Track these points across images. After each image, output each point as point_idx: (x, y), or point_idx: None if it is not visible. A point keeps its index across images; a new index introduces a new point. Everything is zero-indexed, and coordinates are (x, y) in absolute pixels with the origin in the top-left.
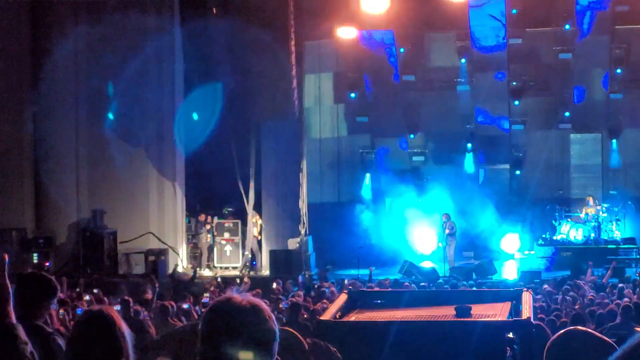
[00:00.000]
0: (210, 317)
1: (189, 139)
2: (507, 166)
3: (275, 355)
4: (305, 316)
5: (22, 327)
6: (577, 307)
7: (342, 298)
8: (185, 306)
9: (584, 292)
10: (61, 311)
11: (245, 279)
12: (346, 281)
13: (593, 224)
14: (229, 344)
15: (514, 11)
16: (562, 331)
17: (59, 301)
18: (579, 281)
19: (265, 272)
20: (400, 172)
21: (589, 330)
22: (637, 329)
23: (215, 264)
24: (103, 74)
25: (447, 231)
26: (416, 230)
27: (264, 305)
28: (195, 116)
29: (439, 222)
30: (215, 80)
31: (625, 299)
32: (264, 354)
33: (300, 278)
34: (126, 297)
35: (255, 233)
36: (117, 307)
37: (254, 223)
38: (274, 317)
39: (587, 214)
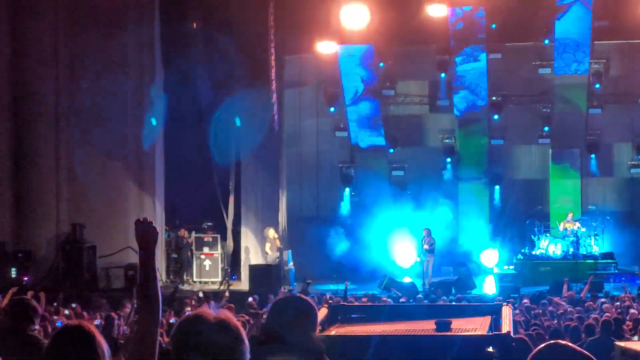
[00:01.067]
0: (179, 333)
1: (169, 152)
2: (487, 181)
3: None
4: None
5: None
6: (555, 321)
7: (323, 312)
8: (172, 320)
9: (560, 308)
10: (36, 327)
11: (227, 294)
12: (327, 295)
13: (572, 239)
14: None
15: (494, 26)
16: (542, 345)
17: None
18: (555, 299)
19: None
20: (380, 187)
21: (570, 344)
22: (617, 343)
23: (194, 279)
24: (83, 87)
25: (426, 246)
26: (395, 244)
27: (233, 320)
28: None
29: (418, 236)
30: (195, 93)
31: (606, 314)
32: None
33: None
34: (111, 314)
35: (267, 249)
36: (97, 322)
37: (269, 238)
38: (243, 332)
39: (565, 229)
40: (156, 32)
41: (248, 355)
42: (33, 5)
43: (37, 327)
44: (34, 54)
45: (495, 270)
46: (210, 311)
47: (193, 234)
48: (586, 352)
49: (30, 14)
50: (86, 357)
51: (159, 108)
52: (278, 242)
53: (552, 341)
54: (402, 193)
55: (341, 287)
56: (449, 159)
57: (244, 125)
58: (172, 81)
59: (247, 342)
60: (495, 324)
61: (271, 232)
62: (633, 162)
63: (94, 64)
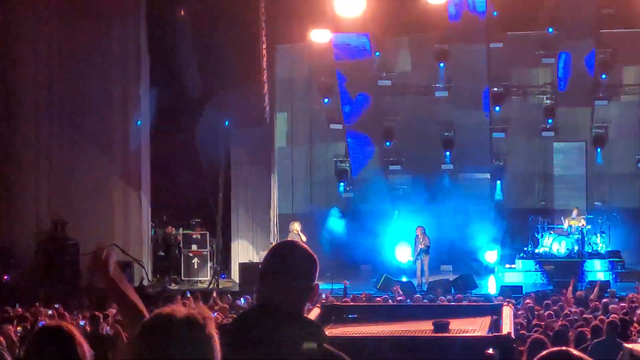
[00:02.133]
0: (143, 332)
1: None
2: (488, 175)
3: None
4: None
5: None
6: (559, 322)
7: (315, 312)
8: None
9: (565, 308)
10: (19, 328)
11: (215, 294)
12: (324, 295)
13: (577, 236)
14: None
15: (495, 13)
16: (546, 351)
17: (17, 317)
18: (561, 304)
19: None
20: (376, 182)
21: (575, 352)
22: (625, 345)
23: (182, 278)
24: (65, 81)
25: (421, 246)
26: (391, 241)
27: (201, 317)
28: None
29: (413, 234)
30: (182, 85)
31: (612, 315)
32: None
33: None
34: (96, 313)
35: None
36: (82, 322)
37: (292, 233)
38: (212, 328)
39: (570, 226)
40: (142, 23)
41: (217, 354)
42: None
43: None
44: (13, 48)
45: (496, 269)
46: (179, 308)
47: (181, 231)
48: (587, 358)
49: (12, 8)
50: (65, 357)
51: (145, 105)
52: (303, 236)
53: (556, 348)
54: (399, 188)
55: (336, 286)
56: (448, 153)
57: (234, 119)
58: (159, 74)
59: (216, 337)
60: (496, 324)
61: (295, 226)
62: None
63: (77, 57)
